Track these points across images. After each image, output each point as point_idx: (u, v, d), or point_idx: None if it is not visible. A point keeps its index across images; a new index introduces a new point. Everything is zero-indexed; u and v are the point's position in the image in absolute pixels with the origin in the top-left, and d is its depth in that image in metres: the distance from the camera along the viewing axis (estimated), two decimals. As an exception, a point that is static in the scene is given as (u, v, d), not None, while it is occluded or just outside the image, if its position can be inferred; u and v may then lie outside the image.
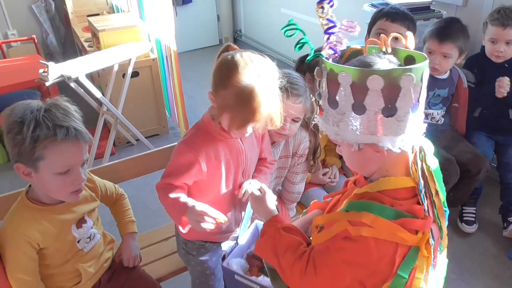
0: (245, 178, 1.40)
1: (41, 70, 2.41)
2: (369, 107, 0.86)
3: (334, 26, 0.93)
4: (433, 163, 0.95)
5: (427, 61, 0.86)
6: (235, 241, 1.29)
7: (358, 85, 0.84)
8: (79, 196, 1.25)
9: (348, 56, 0.97)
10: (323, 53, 0.94)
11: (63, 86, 2.63)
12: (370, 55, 0.93)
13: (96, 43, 3.16)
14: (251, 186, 1.28)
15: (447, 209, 0.97)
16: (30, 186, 1.26)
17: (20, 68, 3.10)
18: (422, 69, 0.85)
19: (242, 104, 1.11)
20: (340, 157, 1.99)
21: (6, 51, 3.94)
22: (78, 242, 1.31)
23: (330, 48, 0.94)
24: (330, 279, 0.94)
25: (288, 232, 1.04)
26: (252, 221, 1.45)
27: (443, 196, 0.96)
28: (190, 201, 1.22)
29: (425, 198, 0.91)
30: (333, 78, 0.88)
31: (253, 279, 1.24)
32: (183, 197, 1.24)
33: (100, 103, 2.86)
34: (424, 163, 0.93)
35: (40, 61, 2.42)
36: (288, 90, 1.47)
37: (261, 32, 5.02)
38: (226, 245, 1.27)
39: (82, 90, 2.69)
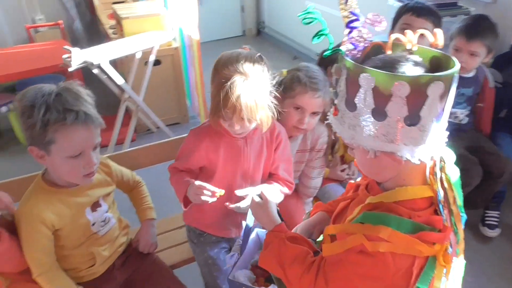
0: (246, 182, 1.43)
1: (65, 56, 2.45)
2: (390, 114, 0.80)
3: (357, 20, 0.87)
4: (454, 174, 0.90)
5: (457, 67, 0.80)
6: (237, 253, 1.25)
7: (381, 90, 0.78)
8: (91, 180, 1.26)
9: (367, 52, 0.90)
10: (343, 48, 0.88)
11: (87, 71, 2.67)
12: (393, 54, 0.86)
13: (119, 30, 3.19)
14: (252, 191, 1.27)
15: (464, 214, 0.93)
16: (45, 169, 1.28)
17: (46, 53, 3.16)
18: (452, 76, 0.79)
19: (219, 97, 1.20)
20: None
21: (33, 36, 4.01)
22: (93, 225, 1.33)
23: (351, 43, 0.88)
24: None
25: (293, 242, 1.00)
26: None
27: (460, 200, 0.91)
28: (191, 181, 1.33)
29: (444, 209, 0.87)
30: (354, 78, 0.81)
31: None
32: (185, 178, 1.37)
33: (122, 90, 2.90)
34: (443, 174, 0.88)
35: (64, 46, 2.46)
36: (306, 84, 1.47)
37: (284, 24, 4.98)
38: (229, 258, 1.26)
39: (105, 76, 2.73)
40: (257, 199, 1.14)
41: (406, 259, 0.84)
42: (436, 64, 0.86)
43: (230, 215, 1.43)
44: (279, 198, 1.45)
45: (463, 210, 0.92)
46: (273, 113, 1.30)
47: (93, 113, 1.19)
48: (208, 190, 1.27)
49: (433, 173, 0.88)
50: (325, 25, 0.93)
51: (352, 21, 0.88)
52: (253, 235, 1.28)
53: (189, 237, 1.59)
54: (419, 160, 0.83)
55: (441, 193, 0.87)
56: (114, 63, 2.97)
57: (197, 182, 1.29)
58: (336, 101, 0.91)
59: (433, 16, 1.93)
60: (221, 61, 1.27)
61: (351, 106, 0.84)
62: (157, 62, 3.11)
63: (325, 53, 0.95)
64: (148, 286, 1.45)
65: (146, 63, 2.94)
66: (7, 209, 1.24)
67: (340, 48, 0.89)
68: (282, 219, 1.10)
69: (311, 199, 1.85)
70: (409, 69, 0.81)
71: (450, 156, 0.92)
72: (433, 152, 0.86)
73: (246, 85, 1.20)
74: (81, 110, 1.15)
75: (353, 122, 0.85)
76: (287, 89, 1.51)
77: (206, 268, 1.51)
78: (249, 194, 1.33)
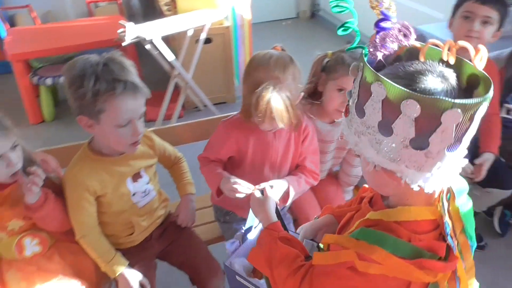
0: (274, 173, 1.46)
1: (120, 30, 2.52)
2: (396, 131, 0.72)
3: (386, 19, 0.76)
4: (465, 205, 0.83)
5: (488, 95, 0.69)
6: (239, 240, 1.24)
7: (391, 104, 0.70)
8: (136, 148, 1.29)
9: (399, 55, 0.80)
10: (368, 47, 0.78)
11: (140, 47, 2.73)
12: (424, 63, 0.75)
13: (173, 7, 3.23)
14: (257, 187, 1.27)
15: (473, 243, 0.85)
16: (92, 138, 1.33)
17: (103, 27, 3.27)
18: (478, 106, 0.68)
19: (250, 100, 1.24)
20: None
21: (93, 10, 4.16)
22: (133, 195, 1.37)
23: (375, 45, 0.77)
24: None
25: (285, 242, 0.97)
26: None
27: (471, 230, 0.84)
28: (224, 173, 1.39)
29: (453, 240, 0.80)
30: (366, 84, 0.73)
31: (254, 282, 1.17)
32: (217, 169, 1.42)
33: (172, 66, 2.95)
34: (450, 205, 0.81)
35: (120, 21, 2.53)
36: (350, 65, 1.42)
37: (340, 7, 4.84)
38: (230, 244, 1.25)
39: (157, 52, 2.78)
40: (258, 194, 1.13)
41: (399, 283, 0.79)
42: (473, 85, 0.75)
43: None
44: (304, 189, 1.49)
45: (473, 239, 0.84)
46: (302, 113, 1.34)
47: (139, 82, 1.21)
48: (243, 187, 1.30)
49: (440, 200, 0.81)
50: (355, 16, 0.82)
51: (381, 21, 0.77)
52: (259, 228, 1.26)
53: (216, 217, 1.63)
54: (419, 187, 0.75)
55: (449, 224, 0.80)
56: (167, 40, 3.03)
57: (232, 179, 1.32)
58: (349, 102, 0.84)
59: (499, 4, 1.78)
60: (253, 63, 1.29)
61: (360, 112, 0.77)
62: (208, 41, 3.13)
63: (348, 47, 0.85)
64: (183, 258, 1.49)
65: (197, 41, 2.96)
66: (55, 173, 1.31)
67: (365, 46, 0.78)
68: (281, 219, 1.08)
69: (352, 187, 1.81)
70: (432, 85, 0.71)
71: (462, 186, 0.84)
72: (440, 183, 0.76)
73: (277, 90, 1.22)
74: (129, 80, 1.18)
75: (360, 129, 0.78)
76: (330, 71, 1.49)
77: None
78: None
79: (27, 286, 1.26)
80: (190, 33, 2.89)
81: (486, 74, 0.74)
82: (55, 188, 1.29)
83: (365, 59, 0.76)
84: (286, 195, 1.41)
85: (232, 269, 1.18)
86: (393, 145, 0.73)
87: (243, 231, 1.26)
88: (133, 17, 4.56)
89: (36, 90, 3.22)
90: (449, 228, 0.79)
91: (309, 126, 1.47)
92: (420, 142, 0.71)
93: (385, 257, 0.77)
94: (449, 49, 0.73)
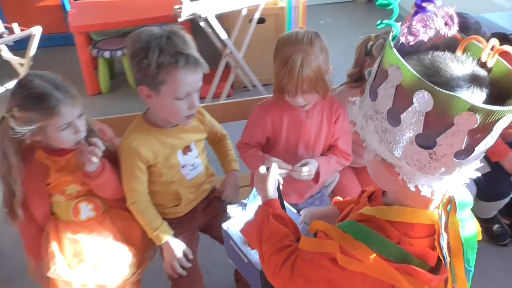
0: (307, 153, 1.48)
1: (176, 6, 2.57)
2: (404, 123, 0.66)
3: (431, 1, 0.69)
4: (467, 222, 0.75)
5: None
6: (243, 207, 1.24)
7: (404, 91, 0.64)
8: (190, 121, 1.33)
9: (436, 43, 0.72)
10: (400, 27, 0.71)
11: (194, 24, 2.77)
12: (457, 57, 0.68)
13: (229, -15, 3.24)
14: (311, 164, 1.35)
15: (471, 268, 0.76)
16: (147, 109, 1.37)
17: (160, 3, 3.33)
18: (500, 116, 0.60)
19: (282, 74, 1.28)
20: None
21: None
22: (183, 167, 1.41)
23: (410, 27, 0.70)
24: None
25: (278, 220, 0.95)
26: None
27: (472, 254, 0.75)
28: (266, 156, 1.44)
29: (447, 256, 0.73)
30: (385, 65, 0.67)
31: (245, 251, 1.15)
32: (259, 153, 1.47)
33: (224, 45, 2.97)
34: (450, 217, 0.73)
35: (177, -3, 2.57)
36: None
37: (399, -9, 4.66)
38: (232, 210, 1.26)
39: (210, 30, 2.82)
40: (263, 170, 1.10)
41: (381, 286, 0.75)
42: (508, 94, 0.66)
43: (290, 181, 1.44)
44: (336, 169, 1.53)
45: (471, 264, 0.75)
46: (330, 87, 1.36)
47: (199, 57, 1.24)
48: (284, 168, 1.35)
49: (440, 207, 0.75)
50: (396, 12, 0.73)
51: (423, 0, 0.70)
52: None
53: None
54: (415, 187, 0.70)
55: (444, 237, 0.73)
56: (220, 19, 3.05)
57: (274, 159, 1.37)
58: (367, 82, 0.78)
59: None
60: (281, 41, 1.33)
61: (373, 94, 0.71)
62: (261, 20, 3.12)
63: (378, 22, 0.74)
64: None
65: (250, 20, 2.96)
66: (110, 142, 1.37)
67: (397, 25, 0.71)
68: (281, 198, 1.07)
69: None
70: (455, 82, 0.64)
71: (467, 200, 0.76)
72: (440, 189, 0.71)
73: (305, 60, 1.26)
74: (191, 53, 1.21)
75: (369, 112, 0.73)
76: (374, 54, 1.49)
77: None
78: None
79: (79, 247, 1.35)
80: (244, 12, 2.89)
81: None
82: (111, 157, 1.35)
83: (392, 39, 0.68)
84: (317, 174, 1.44)
85: (228, 232, 1.20)
86: (397, 137, 0.68)
87: (246, 201, 1.25)
88: (189, -6, 4.62)
89: (94, 63, 3.36)
90: (444, 241, 0.73)
91: (340, 107, 1.50)
92: (426, 139, 0.65)
93: (367, 255, 0.73)
94: (492, 49, 0.66)
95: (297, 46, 1.28)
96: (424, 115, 0.63)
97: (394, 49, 0.65)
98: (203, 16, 2.59)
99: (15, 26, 2.49)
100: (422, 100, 0.62)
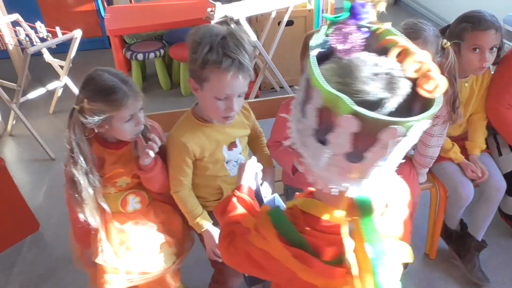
0: None
1: (209, 9, 2.66)
2: (303, 115, 0.67)
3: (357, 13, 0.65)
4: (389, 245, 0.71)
5: (432, 111, 0.59)
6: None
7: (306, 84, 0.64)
8: (227, 123, 1.37)
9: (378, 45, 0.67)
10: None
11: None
12: (377, 64, 0.63)
13: (259, -11, 3.31)
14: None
15: (378, 254, 0.68)
16: (196, 103, 1.44)
17: (191, 7, 3.43)
18: (383, 125, 0.57)
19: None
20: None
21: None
22: (227, 163, 1.47)
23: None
24: (233, 262, 0.92)
25: (239, 201, 1.02)
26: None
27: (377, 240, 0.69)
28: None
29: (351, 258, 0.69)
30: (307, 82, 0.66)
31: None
32: (289, 149, 1.40)
33: (253, 46, 3.04)
34: (356, 225, 0.69)
35: (210, 1, 2.66)
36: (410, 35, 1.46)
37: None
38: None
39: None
40: (249, 162, 1.15)
41: (282, 270, 0.76)
42: (427, 105, 0.62)
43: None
44: None
45: (375, 246, 0.68)
46: None
47: (246, 64, 1.24)
48: None
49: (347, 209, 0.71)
50: (345, 15, 0.67)
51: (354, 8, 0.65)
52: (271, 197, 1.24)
53: (286, 195, 1.73)
54: (313, 178, 0.71)
55: (350, 243, 0.69)
56: (250, 21, 3.13)
57: None
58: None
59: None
60: (308, 38, 1.31)
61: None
62: (290, 23, 3.18)
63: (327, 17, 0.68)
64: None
65: (279, 23, 3.03)
66: (159, 137, 1.44)
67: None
68: (258, 188, 1.12)
69: (426, 169, 1.79)
70: (370, 86, 0.61)
71: (378, 206, 0.74)
72: (352, 190, 0.69)
73: None
74: (237, 58, 1.21)
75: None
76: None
77: None
78: None
79: (126, 236, 1.43)
80: (273, 14, 2.96)
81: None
82: (162, 153, 1.42)
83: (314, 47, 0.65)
84: None
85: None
86: (301, 126, 0.69)
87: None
88: (217, -2, 4.71)
89: (128, 65, 3.49)
90: (348, 247, 0.69)
91: None
92: (322, 135, 0.64)
93: (270, 233, 0.77)
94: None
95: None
96: (316, 110, 0.63)
97: (314, 64, 0.63)
98: (235, 18, 2.67)
99: (57, 30, 2.62)
100: (315, 94, 0.61)
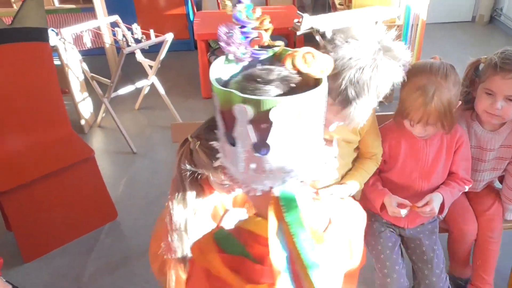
0: (424, 183, 1.48)
1: (295, 20, 2.67)
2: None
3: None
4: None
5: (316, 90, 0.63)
6: None
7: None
8: None
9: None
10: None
11: (308, 37, 2.85)
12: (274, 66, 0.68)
13: (348, 2, 3.28)
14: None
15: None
16: None
17: (277, 16, 3.48)
18: (269, 105, 0.60)
19: (409, 101, 1.30)
20: None
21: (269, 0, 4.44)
22: None
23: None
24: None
25: None
26: None
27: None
28: (386, 190, 1.47)
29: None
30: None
31: None
32: (379, 186, 1.50)
33: (336, 59, 3.01)
34: (283, 223, 0.65)
35: (298, 12, 2.67)
36: (497, 64, 1.37)
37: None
38: None
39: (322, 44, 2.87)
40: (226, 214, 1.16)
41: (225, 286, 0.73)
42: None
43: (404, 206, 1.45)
44: (456, 197, 1.50)
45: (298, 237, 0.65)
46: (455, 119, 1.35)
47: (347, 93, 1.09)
48: (407, 205, 1.41)
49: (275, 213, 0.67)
50: None
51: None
52: None
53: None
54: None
55: (276, 243, 0.66)
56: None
57: (394, 201, 1.42)
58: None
59: None
60: (414, 69, 1.31)
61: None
62: (376, 38, 3.10)
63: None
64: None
65: (365, 37, 2.97)
66: None
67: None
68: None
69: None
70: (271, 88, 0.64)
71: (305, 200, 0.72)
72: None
73: (438, 92, 1.25)
74: (344, 90, 1.08)
75: None
76: (481, 75, 1.45)
77: (373, 240, 1.57)
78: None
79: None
80: (360, 28, 2.91)
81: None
82: None
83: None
84: (441, 206, 1.44)
85: None
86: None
87: None
88: (302, 8, 4.75)
89: (210, 68, 3.60)
90: (277, 248, 0.65)
91: (463, 136, 1.47)
92: (229, 136, 0.66)
93: (210, 249, 0.75)
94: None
95: (431, 77, 1.27)
96: (220, 113, 0.66)
97: (214, 80, 0.66)
98: (322, 30, 2.66)
99: (151, 32, 2.77)
100: (214, 98, 0.65)
